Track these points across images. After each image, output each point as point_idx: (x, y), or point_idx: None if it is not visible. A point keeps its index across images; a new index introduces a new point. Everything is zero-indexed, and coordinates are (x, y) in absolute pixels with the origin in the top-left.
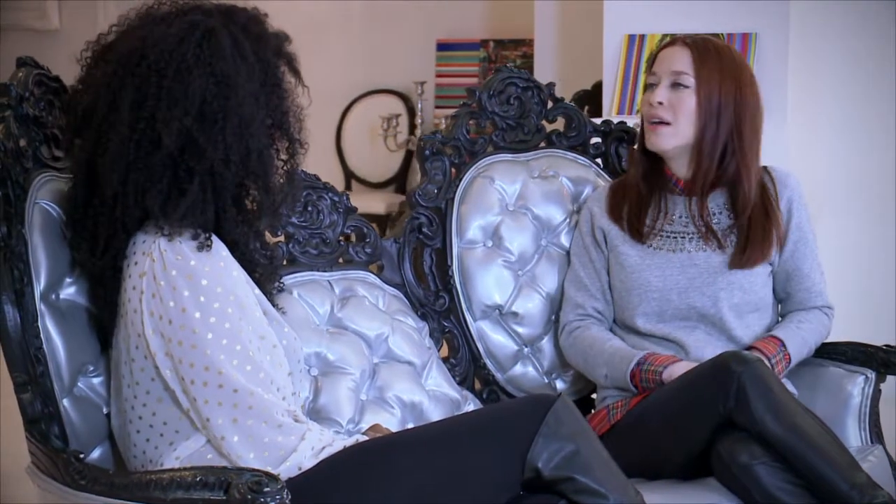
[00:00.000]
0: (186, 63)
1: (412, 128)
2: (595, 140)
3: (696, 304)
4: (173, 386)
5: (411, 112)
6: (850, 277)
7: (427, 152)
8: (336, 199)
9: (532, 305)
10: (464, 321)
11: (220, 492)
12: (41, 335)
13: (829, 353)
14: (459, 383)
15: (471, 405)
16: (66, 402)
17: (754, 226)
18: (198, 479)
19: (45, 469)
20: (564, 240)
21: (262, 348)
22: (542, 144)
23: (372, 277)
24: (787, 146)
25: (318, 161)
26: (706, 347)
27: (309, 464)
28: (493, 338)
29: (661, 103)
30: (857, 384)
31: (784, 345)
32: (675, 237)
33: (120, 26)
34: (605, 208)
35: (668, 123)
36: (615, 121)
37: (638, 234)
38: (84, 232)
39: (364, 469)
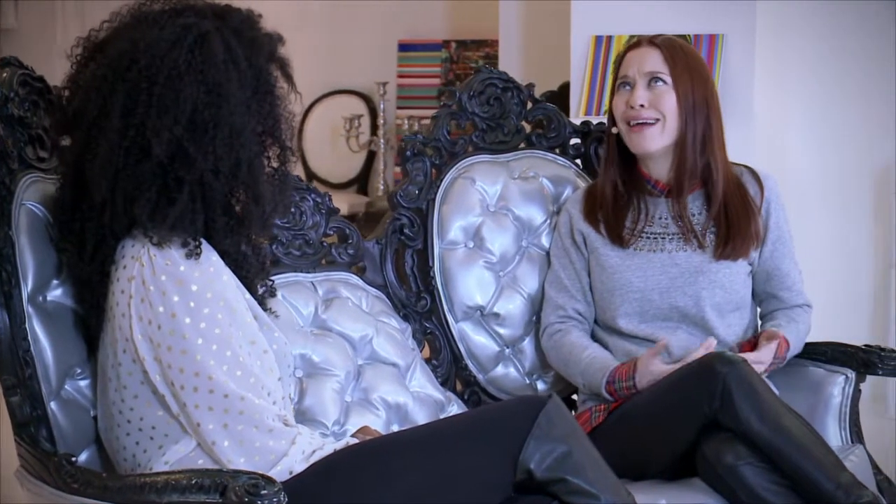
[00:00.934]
0: (178, 70)
1: (374, 128)
2: (574, 141)
3: (679, 303)
4: (162, 390)
5: (373, 113)
6: (819, 277)
7: (408, 153)
8: (319, 200)
9: (513, 306)
10: (445, 322)
11: (216, 495)
12: (29, 337)
13: (809, 353)
14: (441, 384)
15: (454, 406)
16: (53, 404)
17: (735, 219)
18: (193, 482)
19: (36, 473)
20: (545, 240)
21: (253, 353)
22: (522, 145)
23: (355, 279)
24: (754, 147)
25: None
26: (689, 347)
27: (300, 468)
28: (475, 339)
29: (643, 105)
30: (838, 384)
31: (789, 346)
32: (656, 238)
33: (111, 23)
34: (582, 211)
35: (653, 123)
36: (581, 122)
37: (618, 238)
38: (71, 235)
39: (357, 471)
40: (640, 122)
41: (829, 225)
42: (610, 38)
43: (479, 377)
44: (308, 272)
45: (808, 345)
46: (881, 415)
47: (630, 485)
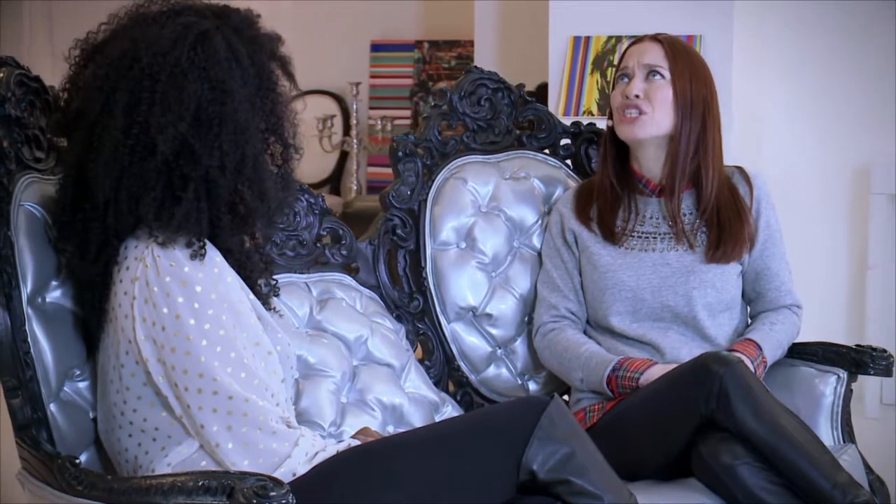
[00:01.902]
0: (181, 67)
1: (347, 129)
2: (565, 141)
3: (670, 302)
4: (165, 392)
5: (346, 113)
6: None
7: (400, 153)
8: (312, 200)
9: (505, 307)
10: (438, 323)
11: (224, 496)
12: (28, 339)
13: (800, 353)
14: (434, 385)
15: (449, 407)
16: (52, 406)
17: (726, 222)
18: (200, 483)
19: (39, 475)
20: (536, 241)
21: (257, 355)
22: (513, 146)
23: (348, 279)
24: (732, 147)
25: None
26: (682, 349)
27: (303, 469)
28: (467, 339)
29: (637, 96)
30: (830, 384)
31: (761, 348)
32: (647, 237)
33: (109, 24)
34: (573, 210)
35: (644, 113)
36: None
37: (610, 235)
38: (73, 237)
39: (361, 473)
40: (633, 112)
41: (805, 225)
42: (588, 38)
43: (472, 378)
44: (302, 273)
45: (798, 345)
46: (860, 414)
47: (626, 485)
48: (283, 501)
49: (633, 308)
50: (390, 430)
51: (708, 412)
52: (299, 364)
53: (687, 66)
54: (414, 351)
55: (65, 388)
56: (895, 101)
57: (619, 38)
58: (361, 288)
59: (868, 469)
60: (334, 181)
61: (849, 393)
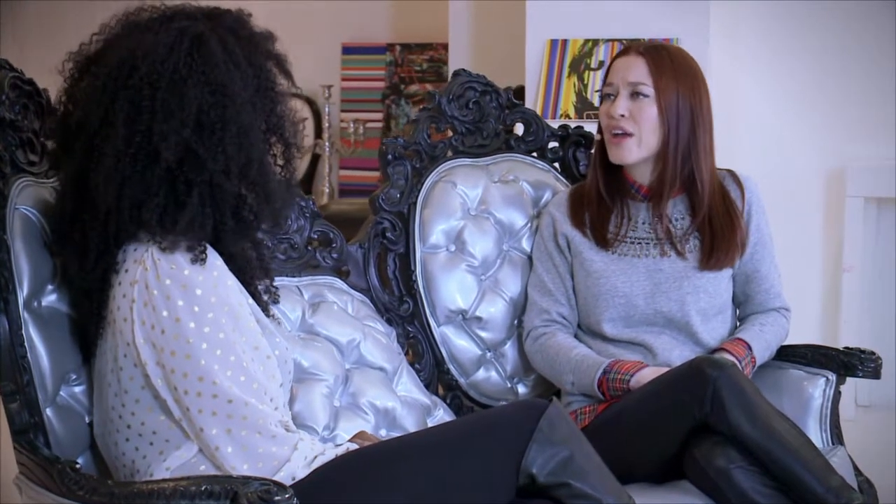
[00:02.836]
0: (179, 73)
1: (318, 132)
2: (553, 144)
3: (663, 308)
4: (164, 395)
5: (317, 116)
6: None
7: (389, 157)
8: (303, 203)
9: (495, 310)
10: (427, 326)
11: (227, 501)
12: (25, 343)
13: (788, 355)
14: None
15: (441, 410)
16: (49, 411)
17: (719, 229)
18: (203, 488)
19: (38, 480)
20: (526, 244)
21: (256, 358)
22: (501, 149)
23: (339, 283)
24: None
25: None
26: (673, 351)
27: (302, 473)
28: (457, 343)
29: (622, 115)
30: (819, 386)
31: (750, 347)
32: (640, 243)
33: (101, 34)
34: (567, 215)
35: (630, 135)
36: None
37: (603, 240)
38: (71, 245)
39: (361, 477)
40: (619, 132)
41: (780, 227)
42: (565, 41)
43: (461, 381)
44: (293, 276)
45: (787, 347)
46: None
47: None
48: None
49: (625, 314)
50: (383, 433)
51: (702, 416)
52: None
53: (672, 77)
54: (404, 354)
55: (61, 393)
56: (871, 103)
57: (595, 42)
58: (352, 291)
59: (857, 471)
60: (306, 184)
61: (837, 395)
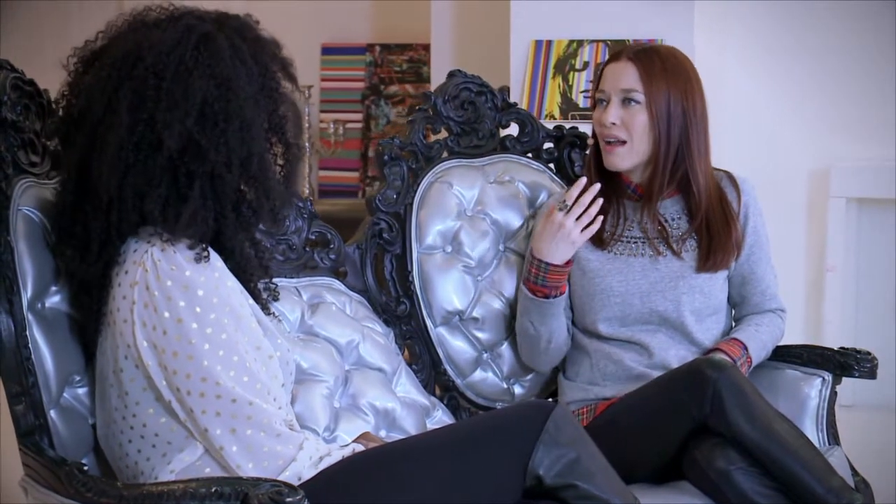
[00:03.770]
0: (185, 65)
1: None
2: (548, 145)
3: (659, 307)
4: (167, 396)
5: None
6: None
7: (386, 157)
8: (300, 204)
9: (492, 310)
10: (424, 327)
11: (237, 502)
12: (29, 345)
13: (784, 356)
14: None
15: (439, 411)
16: (53, 412)
17: (716, 230)
18: (213, 489)
19: (45, 482)
20: (522, 245)
21: (258, 359)
22: (496, 149)
23: (337, 283)
24: None
25: None
26: (669, 350)
27: (308, 473)
28: (453, 343)
29: (614, 123)
30: (815, 386)
31: (746, 347)
32: (636, 242)
33: (107, 32)
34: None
35: (623, 142)
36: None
37: (599, 240)
38: (73, 239)
39: (368, 479)
40: (612, 140)
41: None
42: (549, 42)
43: (458, 382)
44: (292, 277)
45: (782, 348)
46: None
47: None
48: None
49: (621, 314)
50: (383, 434)
51: (701, 417)
52: None
53: (663, 82)
54: (402, 355)
55: (64, 395)
56: (856, 104)
57: (580, 42)
58: (350, 292)
59: (853, 471)
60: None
61: (833, 395)
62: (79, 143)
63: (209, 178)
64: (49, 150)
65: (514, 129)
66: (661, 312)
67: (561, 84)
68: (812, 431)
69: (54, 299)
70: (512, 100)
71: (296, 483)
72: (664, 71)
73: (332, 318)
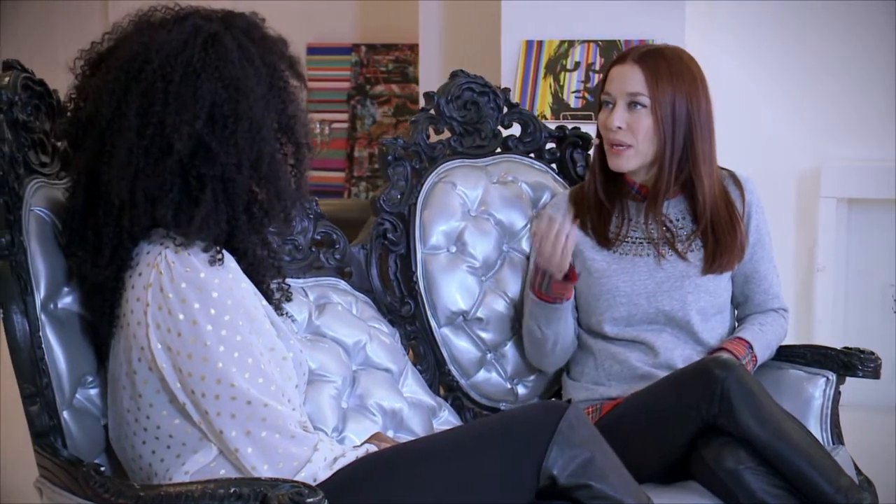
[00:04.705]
0: (193, 67)
1: None
2: (550, 145)
3: (665, 307)
4: (182, 399)
5: None
6: None
7: (389, 158)
8: (306, 204)
9: (496, 311)
10: (428, 327)
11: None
12: (43, 346)
13: (787, 356)
14: None
15: (445, 412)
16: (65, 413)
17: (722, 234)
18: (231, 490)
19: (62, 483)
20: (525, 245)
21: (272, 360)
22: (499, 150)
23: (343, 284)
24: None
25: None
26: (675, 350)
27: (323, 475)
28: (458, 344)
29: (620, 128)
30: (819, 386)
31: (751, 346)
32: (641, 242)
33: (113, 34)
34: (566, 216)
35: (629, 146)
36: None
37: (605, 240)
38: (84, 242)
39: (383, 479)
40: (618, 143)
41: None
42: (541, 42)
43: (462, 382)
44: (298, 277)
45: (785, 348)
46: None
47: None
48: None
49: (627, 314)
50: (390, 435)
51: (710, 416)
52: None
53: (668, 85)
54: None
55: (77, 395)
56: (846, 104)
57: (571, 43)
58: (356, 292)
59: (857, 470)
60: None
61: (837, 395)
62: (88, 146)
63: (220, 180)
64: (58, 151)
65: (516, 130)
66: (667, 312)
67: (552, 84)
68: (816, 431)
69: (66, 300)
70: None
71: (311, 485)
72: (670, 74)
73: (339, 319)
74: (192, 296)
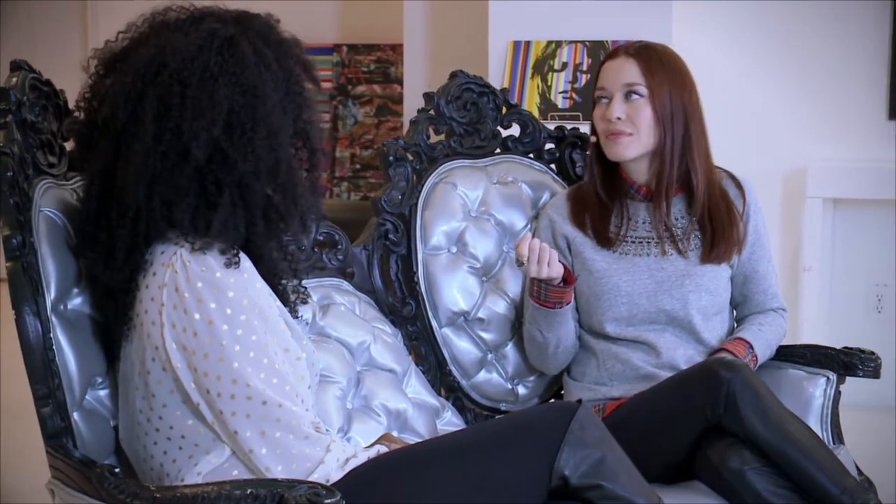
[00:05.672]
0: (210, 72)
1: None
2: (549, 146)
3: (666, 306)
4: (196, 399)
5: None
6: None
7: (390, 158)
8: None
9: (497, 311)
10: (430, 327)
11: None
12: (54, 347)
13: (787, 356)
14: None
15: (449, 412)
16: (76, 415)
17: (719, 221)
18: (248, 491)
19: (75, 484)
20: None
21: (287, 361)
22: (498, 150)
23: (346, 284)
24: None
25: None
26: (677, 350)
27: (336, 476)
28: (459, 344)
29: (619, 118)
30: (819, 386)
31: (752, 346)
32: (641, 242)
33: (127, 33)
34: (566, 215)
35: (629, 133)
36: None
37: (605, 240)
38: (97, 245)
39: (395, 480)
40: (616, 132)
41: None
42: (528, 42)
43: (463, 383)
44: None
45: (785, 348)
46: None
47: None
48: None
49: (628, 313)
50: (395, 435)
51: (715, 417)
52: None
53: (664, 76)
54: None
55: (87, 397)
56: (832, 104)
57: (559, 43)
58: (358, 293)
59: (858, 470)
60: None
61: (838, 395)
62: (103, 149)
63: (238, 186)
64: (66, 151)
65: (515, 130)
66: (668, 311)
67: (540, 85)
68: (817, 431)
69: (76, 301)
70: None
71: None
72: (663, 66)
73: (342, 319)
74: (208, 295)
